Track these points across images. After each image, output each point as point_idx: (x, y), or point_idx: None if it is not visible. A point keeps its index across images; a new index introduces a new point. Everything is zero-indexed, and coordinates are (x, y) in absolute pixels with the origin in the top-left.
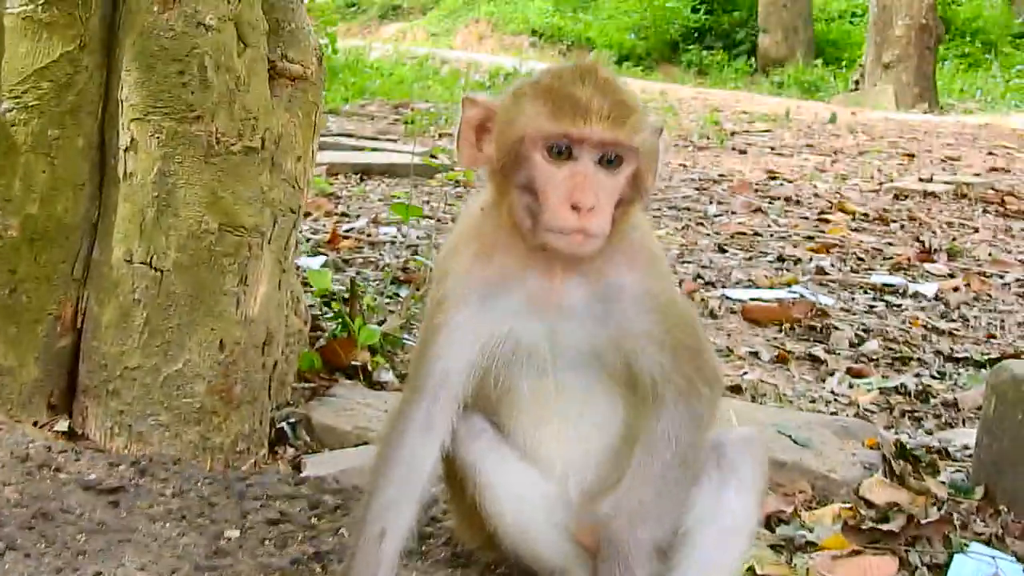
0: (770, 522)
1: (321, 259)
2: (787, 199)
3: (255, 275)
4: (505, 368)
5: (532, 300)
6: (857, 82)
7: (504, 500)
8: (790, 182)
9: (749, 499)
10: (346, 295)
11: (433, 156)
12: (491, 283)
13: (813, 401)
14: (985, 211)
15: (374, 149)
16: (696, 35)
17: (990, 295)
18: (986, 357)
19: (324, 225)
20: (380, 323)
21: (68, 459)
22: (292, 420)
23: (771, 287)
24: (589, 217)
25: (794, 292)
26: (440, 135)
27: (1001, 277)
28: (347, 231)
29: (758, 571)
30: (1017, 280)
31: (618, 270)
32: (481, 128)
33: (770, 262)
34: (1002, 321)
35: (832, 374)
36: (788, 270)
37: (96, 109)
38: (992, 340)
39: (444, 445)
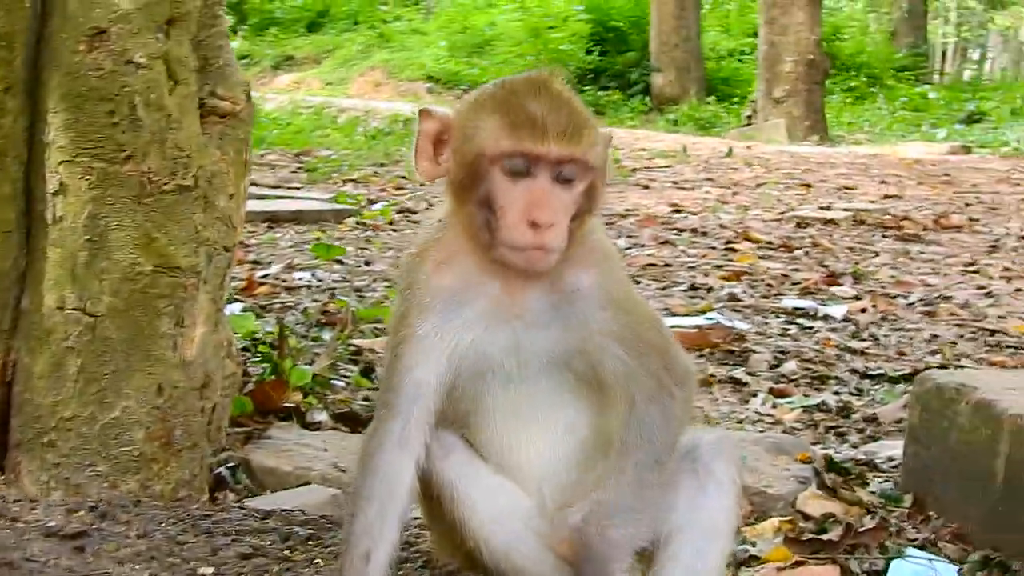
0: None
1: (239, 305)
2: (693, 230)
3: (191, 316)
4: (472, 379)
5: (493, 309)
6: (750, 117)
7: (481, 515)
8: (695, 214)
9: (727, 500)
10: (272, 339)
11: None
12: (453, 292)
13: (740, 422)
14: (884, 236)
15: (279, 197)
16: (591, 76)
17: (896, 315)
18: (899, 373)
19: (238, 272)
20: (308, 364)
21: (24, 507)
22: (231, 464)
23: (687, 315)
24: (546, 233)
25: (710, 318)
26: (344, 181)
27: (905, 297)
28: (262, 277)
29: None
30: (921, 299)
31: (575, 273)
32: (438, 141)
33: (684, 291)
34: (911, 339)
35: (755, 395)
36: (702, 298)
37: (21, 153)
38: (903, 357)
39: (420, 461)
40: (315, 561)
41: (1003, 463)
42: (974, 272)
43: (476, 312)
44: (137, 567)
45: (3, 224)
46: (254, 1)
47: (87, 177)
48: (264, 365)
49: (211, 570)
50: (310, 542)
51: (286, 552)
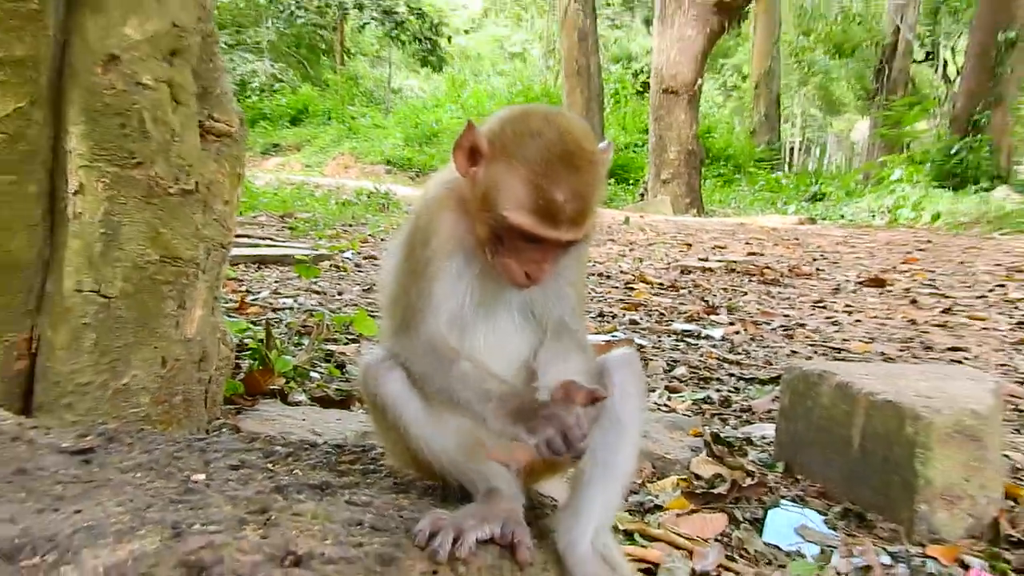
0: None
1: (232, 321)
2: (600, 275)
3: (192, 300)
4: (464, 314)
5: (491, 266)
6: (643, 194)
7: (419, 424)
8: (601, 263)
9: (633, 402)
10: (261, 337)
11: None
12: (464, 244)
13: None
14: (750, 280)
15: (268, 245)
16: None
17: (763, 336)
18: (768, 377)
19: (231, 296)
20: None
21: (39, 433)
22: (223, 429)
23: (598, 333)
24: (537, 282)
25: (617, 335)
26: (319, 236)
27: (769, 324)
28: (252, 300)
29: (621, 527)
30: (781, 326)
31: None
32: (473, 151)
33: (594, 318)
34: (775, 353)
35: (654, 391)
36: (609, 322)
37: (46, 158)
38: (769, 366)
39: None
40: (294, 471)
41: (858, 433)
42: (822, 307)
43: (480, 266)
44: (138, 475)
45: (30, 219)
46: (248, 101)
47: (103, 180)
48: (253, 359)
49: (203, 476)
50: (290, 458)
51: (268, 465)
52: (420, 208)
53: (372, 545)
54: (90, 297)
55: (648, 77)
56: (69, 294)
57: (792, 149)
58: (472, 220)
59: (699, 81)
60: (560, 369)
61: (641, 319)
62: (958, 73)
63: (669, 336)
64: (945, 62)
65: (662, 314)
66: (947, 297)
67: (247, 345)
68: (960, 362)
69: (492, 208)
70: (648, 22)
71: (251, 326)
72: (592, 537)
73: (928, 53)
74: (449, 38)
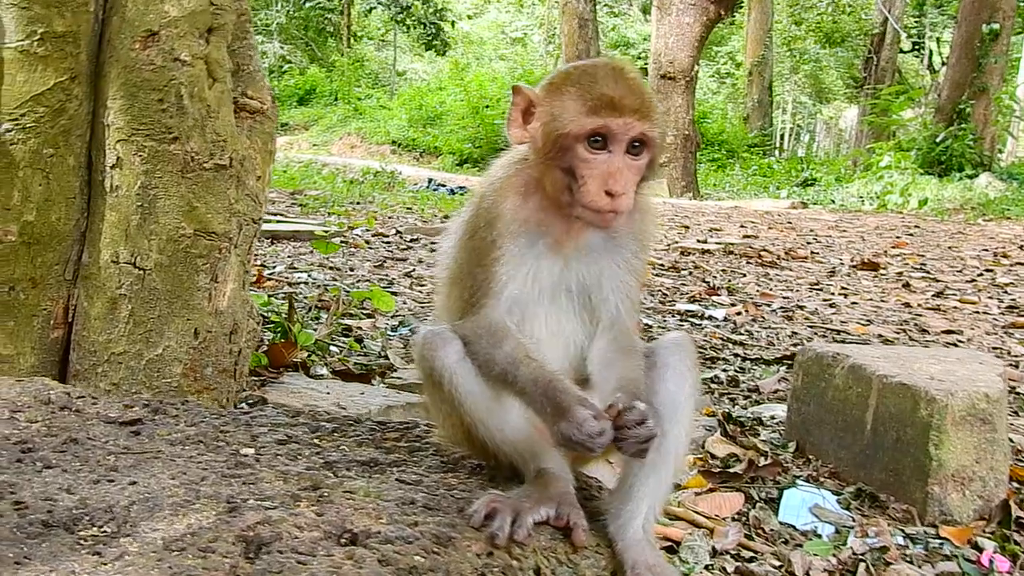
0: None
1: (253, 293)
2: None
3: (224, 274)
4: (526, 294)
5: (553, 244)
6: None
7: (476, 396)
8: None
9: (685, 386)
10: (283, 310)
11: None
12: (530, 225)
13: None
14: (748, 262)
15: (280, 221)
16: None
17: (764, 317)
18: (772, 358)
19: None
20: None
21: (86, 403)
22: (251, 401)
23: None
24: (620, 200)
25: None
26: (328, 213)
27: (769, 305)
28: (269, 274)
29: None
30: (781, 307)
31: (621, 224)
32: (526, 112)
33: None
34: (777, 334)
35: None
36: (640, 303)
37: (85, 132)
38: (772, 346)
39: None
40: (341, 447)
41: (872, 414)
42: (819, 290)
43: (543, 246)
44: (187, 448)
45: (68, 191)
46: None
47: (140, 154)
48: (276, 332)
49: (251, 451)
50: (335, 433)
51: (315, 440)
52: (483, 190)
53: (427, 525)
54: (126, 268)
55: (646, 63)
56: (105, 265)
57: (783, 135)
58: (538, 188)
59: (695, 68)
60: (612, 369)
61: (644, 299)
62: (943, 63)
63: (673, 316)
64: (931, 52)
65: (665, 294)
66: (938, 281)
67: (268, 318)
68: (956, 345)
69: (554, 136)
70: (646, 10)
71: (271, 300)
72: (643, 520)
73: (915, 43)
74: (453, 23)
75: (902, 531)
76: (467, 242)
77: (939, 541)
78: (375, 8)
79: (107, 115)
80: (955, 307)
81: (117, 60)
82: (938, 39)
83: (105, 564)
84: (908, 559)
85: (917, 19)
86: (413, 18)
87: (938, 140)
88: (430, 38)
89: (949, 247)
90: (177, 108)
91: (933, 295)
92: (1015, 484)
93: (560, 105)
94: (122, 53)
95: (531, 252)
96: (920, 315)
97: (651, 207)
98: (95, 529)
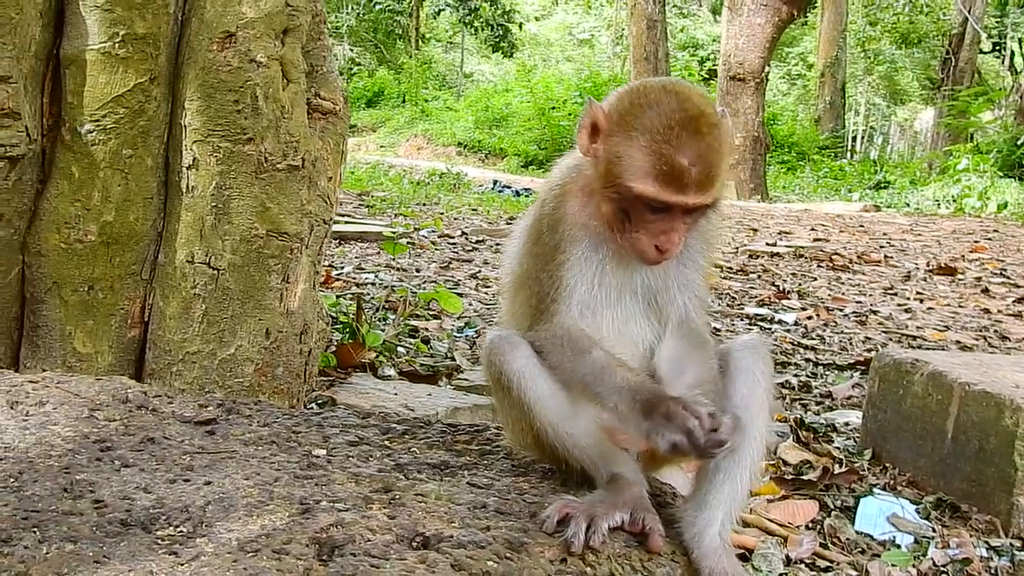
0: None
1: (322, 294)
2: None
3: (295, 274)
4: (593, 299)
5: (616, 250)
6: None
7: (545, 400)
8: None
9: (759, 390)
10: (351, 312)
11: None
12: (593, 230)
13: None
14: (819, 266)
15: (347, 222)
16: None
17: (836, 322)
18: (845, 363)
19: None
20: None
21: (162, 402)
22: (321, 401)
23: None
24: (667, 254)
25: None
26: (395, 214)
27: (841, 310)
28: (337, 275)
29: None
30: (854, 312)
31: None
32: (595, 127)
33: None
34: (850, 339)
35: None
36: (710, 304)
37: (162, 133)
38: (845, 351)
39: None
40: (411, 449)
41: (952, 423)
42: (893, 295)
43: (606, 251)
44: (260, 448)
45: (146, 192)
46: None
47: (215, 154)
48: (344, 332)
49: (323, 452)
50: (406, 435)
51: (386, 442)
52: (546, 194)
53: (499, 529)
54: (200, 268)
55: (714, 64)
56: (181, 265)
57: (855, 137)
58: (598, 201)
59: (766, 69)
60: (684, 368)
61: (713, 302)
62: None
63: (742, 320)
64: (1012, 53)
65: (733, 298)
66: (1018, 287)
67: (337, 319)
68: None
69: (615, 181)
70: (715, 10)
71: (339, 300)
72: (719, 527)
73: (995, 44)
74: (520, 24)
75: (986, 543)
76: (531, 247)
77: None
78: (443, 10)
79: (184, 116)
80: None
81: (195, 62)
82: (1020, 40)
83: (182, 564)
84: (992, 572)
85: (998, 19)
86: (481, 20)
87: (1019, 143)
88: (497, 40)
89: None
90: (252, 109)
91: (1014, 301)
92: None
93: (627, 149)
94: (200, 55)
95: (596, 255)
96: (1000, 321)
97: (714, 226)
98: (171, 529)
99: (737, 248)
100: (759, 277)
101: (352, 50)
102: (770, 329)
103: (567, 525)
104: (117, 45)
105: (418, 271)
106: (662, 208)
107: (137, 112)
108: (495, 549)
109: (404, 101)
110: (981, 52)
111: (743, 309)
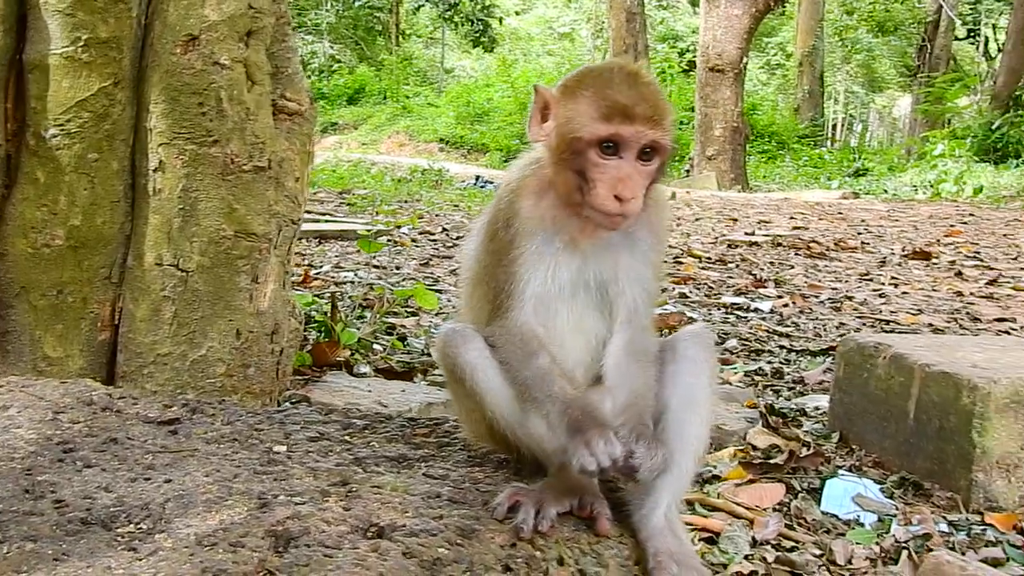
0: None
1: (298, 293)
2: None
3: (264, 274)
4: (546, 292)
5: (569, 241)
6: (688, 170)
7: (495, 390)
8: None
9: (702, 377)
10: (326, 310)
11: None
12: (546, 223)
13: None
14: (796, 254)
15: (328, 220)
16: None
17: (811, 309)
18: (818, 349)
19: (297, 271)
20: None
21: (127, 403)
22: (294, 400)
23: None
24: (628, 204)
25: (668, 308)
26: (377, 212)
27: (816, 297)
28: (316, 274)
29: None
30: (829, 298)
31: (633, 224)
32: (544, 113)
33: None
34: (824, 325)
35: None
36: (659, 296)
37: (128, 136)
38: (819, 337)
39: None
40: (371, 443)
41: (914, 404)
42: (869, 280)
43: (560, 243)
44: (222, 446)
45: (113, 195)
46: (308, 81)
47: (181, 157)
48: (320, 331)
49: (284, 448)
50: (366, 430)
51: (346, 437)
52: (501, 192)
53: (452, 517)
54: (169, 271)
55: (694, 56)
56: (149, 267)
57: (835, 125)
58: (552, 198)
59: (744, 59)
60: (626, 378)
61: (690, 292)
62: (999, 50)
63: (719, 309)
64: (986, 39)
65: (711, 287)
66: (992, 269)
67: (313, 318)
68: (1008, 332)
69: (569, 139)
70: (694, 2)
71: (316, 299)
72: (665, 510)
73: (970, 31)
74: (500, 19)
75: (945, 519)
76: (488, 243)
77: (984, 528)
78: (423, 6)
79: (149, 119)
80: (1009, 295)
81: (159, 65)
82: (994, 26)
83: (140, 560)
84: (951, 546)
85: (972, 6)
86: (461, 15)
87: (994, 127)
88: (478, 35)
89: (1004, 235)
90: (217, 111)
91: (986, 283)
92: None
93: (574, 108)
94: (163, 58)
95: (549, 250)
96: (972, 303)
97: (664, 201)
98: (132, 526)
99: (716, 238)
100: (737, 266)
101: (332, 47)
102: (746, 318)
103: (517, 511)
104: (80, 49)
105: (398, 268)
106: (614, 150)
107: (102, 116)
108: (447, 536)
109: (385, 98)
110: (956, 39)
111: (720, 298)
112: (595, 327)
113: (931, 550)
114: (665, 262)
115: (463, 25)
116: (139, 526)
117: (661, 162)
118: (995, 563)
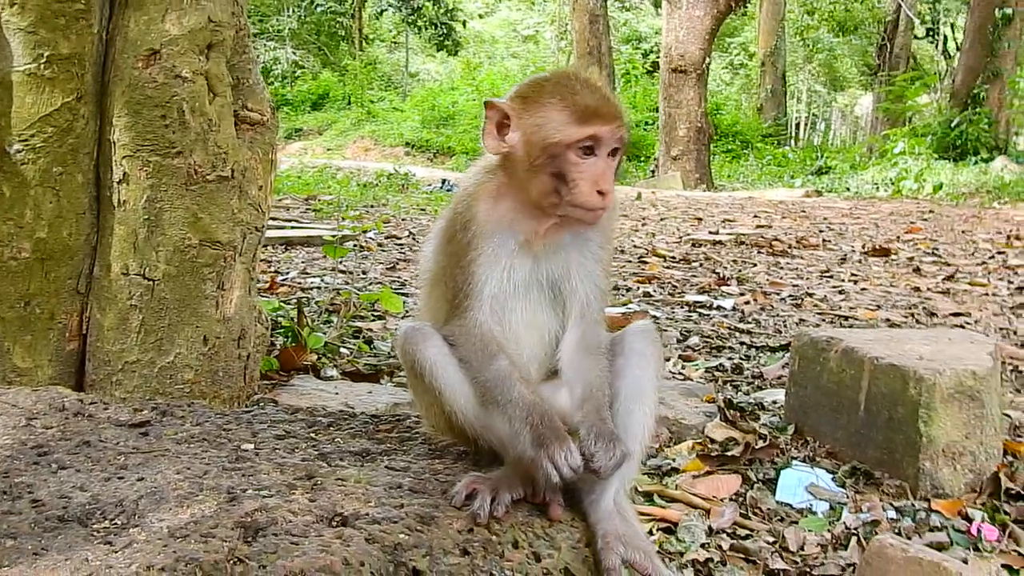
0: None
1: (264, 299)
2: (614, 249)
3: (230, 281)
4: (502, 291)
5: (524, 243)
6: (654, 171)
7: (453, 385)
8: (615, 238)
9: (648, 370)
10: (292, 316)
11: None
12: (502, 226)
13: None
14: (759, 252)
15: (293, 227)
16: None
17: (772, 306)
18: (777, 344)
19: (262, 277)
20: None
21: (98, 408)
22: (262, 403)
23: (614, 306)
24: (608, 197)
25: (632, 308)
26: (343, 218)
27: (778, 294)
28: (282, 280)
29: (640, 489)
30: (790, 295)
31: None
32: (501, 125)
33: (610, 291)
34: (784, 322)
35: (668, 360)
36: (623, 295)
37: (92, 150)
38: (779, 334)
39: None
40: (335, 439)
41: (864, 396)
42: (829, 277)
43: (515, 244)
44: (192, 445)
45: (78, 207)
46: (271, 88)
47: (145, 169)
48: (286, 336)
49: (251, 446)
50: (331, 428)
51: (312, 434)
52: (459, 196)
53: (412, 506)
54: (135, 280)
55: (657, 57)
56: (116, 277)
57: (798, 124)
58: (509, 202)
59: (707, 60)
60: (579, 373)
61: (654, 292)
62: (957, 49)
63: (682, 307)
64: (945, 38)
65: (675, 286)
66: (949, 265)
67: (280, 323)
68: (962, 327)
69: (542, 146)
70: (657, 3)
71: (283, 305)
72: (613, 494)
73: (929, 30)
74: (464, 22)
75: (894, 505)
76: (446, 246)
77: (930, 514)
78: (386, 10)
79: (113, 132)
80: (965, 290)
81: (121, 79)
82: (952, 25)
83: (116, 552)
84: (898, 531)
85: (931, 5)
86: (424, 19)
87: (953, 125)
88: (441, 39)
89: (963, 231)
90: (179, 123)
91: (943, 279)
92: (1009, 457)
93: (544, 116)
94: (126, 72)
95: (504, 251)
96: (929, 299)
97: (615, 200)
98: (107, 522)
99: (680, 238)
100: (701, 265)
101: (295, 53)
102: (708, 315)
103: (474, 499)
104: (43, 66)
105: (364, 273)
106: (591, 149)
107: (65, 130)
108: (407, 523)
109: (350, 103)
110: (916, 38)
111: (684, 297)
112: (548, 323)
113: (878, 536)
114: (630, 262)
115: (427, 29)
116: (114, 521)
117: (621, 156)
118: (940, 547)
